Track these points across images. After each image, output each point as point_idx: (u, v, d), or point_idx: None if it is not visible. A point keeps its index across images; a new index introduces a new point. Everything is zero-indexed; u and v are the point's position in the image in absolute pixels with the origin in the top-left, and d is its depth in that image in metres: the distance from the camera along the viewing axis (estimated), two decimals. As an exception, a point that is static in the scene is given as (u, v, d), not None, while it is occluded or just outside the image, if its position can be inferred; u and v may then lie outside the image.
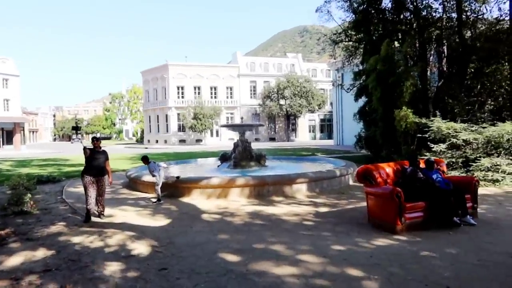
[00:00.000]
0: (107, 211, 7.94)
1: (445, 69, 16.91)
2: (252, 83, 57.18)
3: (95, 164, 7.36)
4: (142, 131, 66.81)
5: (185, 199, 9.32)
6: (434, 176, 6.80)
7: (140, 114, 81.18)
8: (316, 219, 7.18)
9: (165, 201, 9.08)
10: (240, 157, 12.41)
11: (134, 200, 9.41)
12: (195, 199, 9.32)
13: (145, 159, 9.36)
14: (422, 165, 7.17)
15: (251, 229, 6.55)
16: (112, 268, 4.84)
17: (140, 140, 65.62)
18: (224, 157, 13.36)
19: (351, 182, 11.40)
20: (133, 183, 11.17)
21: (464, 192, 6.63)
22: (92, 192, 7.30)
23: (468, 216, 6.49)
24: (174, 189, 9.74)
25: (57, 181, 12.96)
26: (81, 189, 9.11)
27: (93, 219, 7.39)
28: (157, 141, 54.82)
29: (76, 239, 6.10)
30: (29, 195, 8.37)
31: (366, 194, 6.80)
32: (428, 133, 12.33)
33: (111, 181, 7.77)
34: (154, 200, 9.11)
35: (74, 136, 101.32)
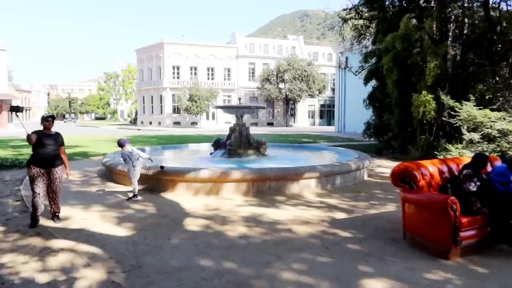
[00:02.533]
0: (66, 210, 6.24)
1: (465, 51, 15.15)
2: (251, 65, 55.02)
3: (45, 151, 5.60)
4: (136, 112, 64.74)
5: (168, 195, 7.61)
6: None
7: (135, 94, 78.77)
8: (333, 231, 5.50)
9: (144, 197, 7.37)
10: (237, 144, 10.66)
11: (105, 195, 7.68)
12: (180, 195, 7.61)
13: (120, 143, 7.54)
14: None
15: (249, 246, 4.86)
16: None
17: (134, 121, 63.62)
18: (218, 143, 11.56)
19: (365, 177, 9.73)
20: (108, 172, 9.43)
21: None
22: (41, 188, 5.56)
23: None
24: (156, 181, 8.03)
25: (24, 167, 11.16)
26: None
27: (44, 222, 5.69)
28: (151, 123, 52.91)
29: (5, 258, 4.39)
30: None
31: (402, 202, 5.10)
32: (456, 121, 10.64)
33: (68, 173, 6.05)
34: (131, 195, 7.38)
35: (67, 116, 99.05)
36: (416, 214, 4.86)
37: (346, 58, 33.17)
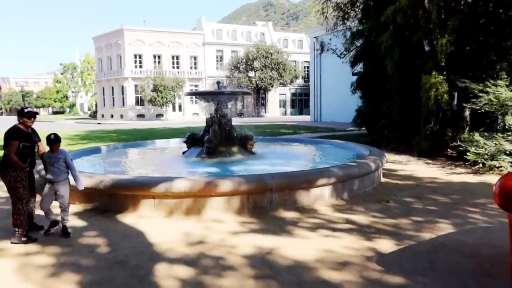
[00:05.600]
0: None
1: (466, 25, 13.53)
2: (219, 52, 52.32)
3: None
4: (97, 105, 60.65)
5: (127, 219, 5.32)
6: None
7: (95, 86, 74.09)
8: (392, 280, 3.46)
9: (91, 223, 5.08)
10: (217, 140, 8.43)
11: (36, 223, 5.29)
12: (146, 217, 5.35)
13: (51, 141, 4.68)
14: None
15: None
16: None
17: (94, 115, 59.56)
18: (192, 139, 9.21)
19: (382, 179, 7.81)
20: (47, 184, 6.98)
21: None
22: None
23: None
24: (110, 198, 5.73)
25: None
26: None
27: None
28: (112, 116, 49.31)
29: None
30: None
31: (514, 235, 3.14)
32: (480, 104, 8.92)
33: None
34: (52, 229, 4.72)
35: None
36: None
37: (321, 43, 31.42)
